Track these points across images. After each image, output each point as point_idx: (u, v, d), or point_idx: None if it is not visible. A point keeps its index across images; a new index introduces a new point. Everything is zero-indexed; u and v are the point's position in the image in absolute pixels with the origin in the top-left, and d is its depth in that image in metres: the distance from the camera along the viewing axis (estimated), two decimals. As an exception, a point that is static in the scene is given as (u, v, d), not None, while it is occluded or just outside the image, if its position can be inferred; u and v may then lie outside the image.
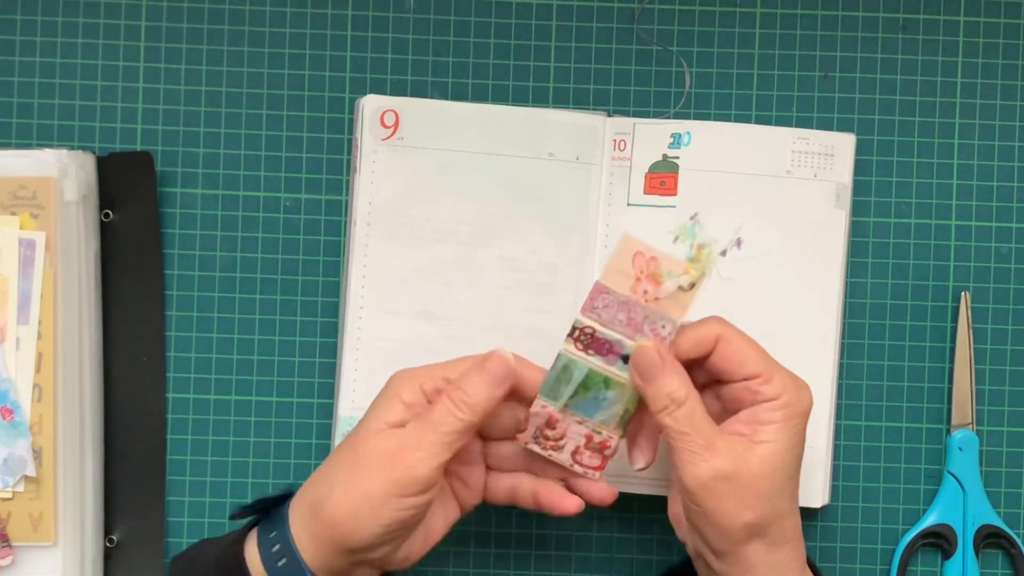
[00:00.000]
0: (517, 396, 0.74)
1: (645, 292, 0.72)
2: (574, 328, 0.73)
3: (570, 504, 0.76)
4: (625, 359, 0.73)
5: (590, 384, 0.73)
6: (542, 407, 0.74)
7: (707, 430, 0.71)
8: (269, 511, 0.75)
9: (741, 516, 0.70)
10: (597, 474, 0.75)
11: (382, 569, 0.74)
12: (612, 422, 0.74)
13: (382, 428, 0.72)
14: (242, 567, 0.72)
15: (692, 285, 0.72)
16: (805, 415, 0.72)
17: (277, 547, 0.72)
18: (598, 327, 0.72)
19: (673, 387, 0.72)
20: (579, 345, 0.73)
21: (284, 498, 0.74)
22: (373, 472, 0.70)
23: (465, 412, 0.72)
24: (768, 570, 0.72)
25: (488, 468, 0.77)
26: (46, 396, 0.79)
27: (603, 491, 0.76)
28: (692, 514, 0.72)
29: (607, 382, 0.73)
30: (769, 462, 0.71)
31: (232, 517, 0.75)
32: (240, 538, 0.74)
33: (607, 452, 0.74)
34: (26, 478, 0.79)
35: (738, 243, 0.80)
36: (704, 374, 0.74)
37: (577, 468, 0.75)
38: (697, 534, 0.73)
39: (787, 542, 0.72)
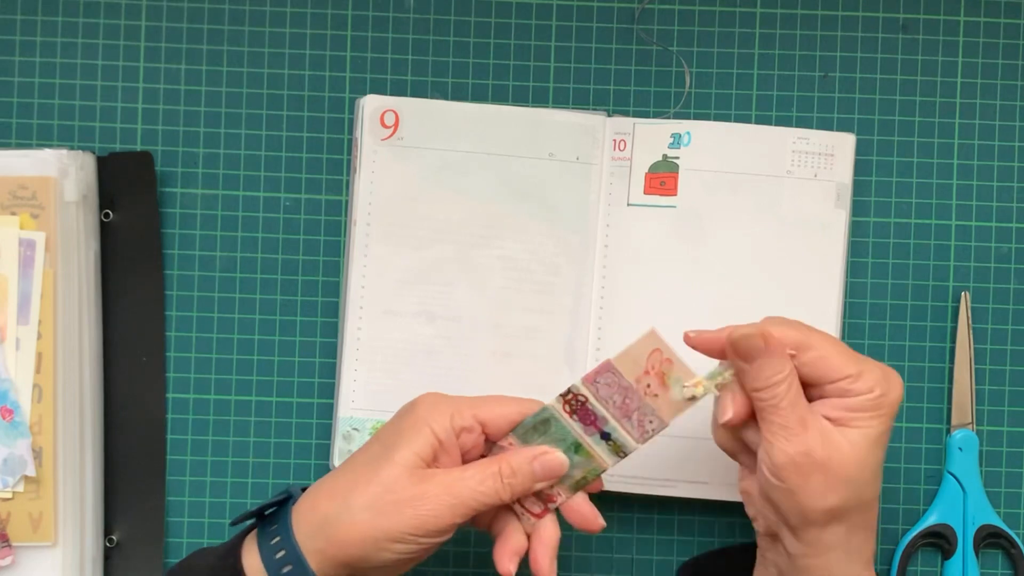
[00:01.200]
0: (488, 426, 0.74)
1: (648, 386, 0.73)
2: (569, 391, 0.73)
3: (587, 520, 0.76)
4: (604, 436, 0.73)
5: (561, 444, 0.73)
6: (508, 444, 0.74)
7: (802, 408, 0.71)
8: (268, 515, 0.74)
9: (825, 498, 0.71)
10: (533, 520, 0.75)
11: None
12: (567, 483, 0.74)
13: (414, 464, 0.71)
14: (239, 573, 0.71)
15: (693, 398, 0.73)
16: (895, 406, 0.72)
17: (281, 553, 0.71)
18: (591, 399, 0.73)
19: (774, 366, 0.71)
20: (567, 407, 0.73)
21: (284, 501, 0.74)
22: (400, 511, 0.70)
23: (506, 492, 0.72)
24: (843, 555, 0.72)
25: None
26: (46, 396, 0.79)
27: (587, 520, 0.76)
28: (774, 491, 0.72)
29: (578, 448, 0.73)
30: (860, 449, 0.71)
31: (233, 523, 0.74)
32: (235, 546, 0.73)
33: (550, 505, 0.75)
34: (26, 478, 0.79)
35: None
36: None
37: (517, 507, 0.75)
38: (774, 511, 0.73)
39: (865, 529, 0.73)
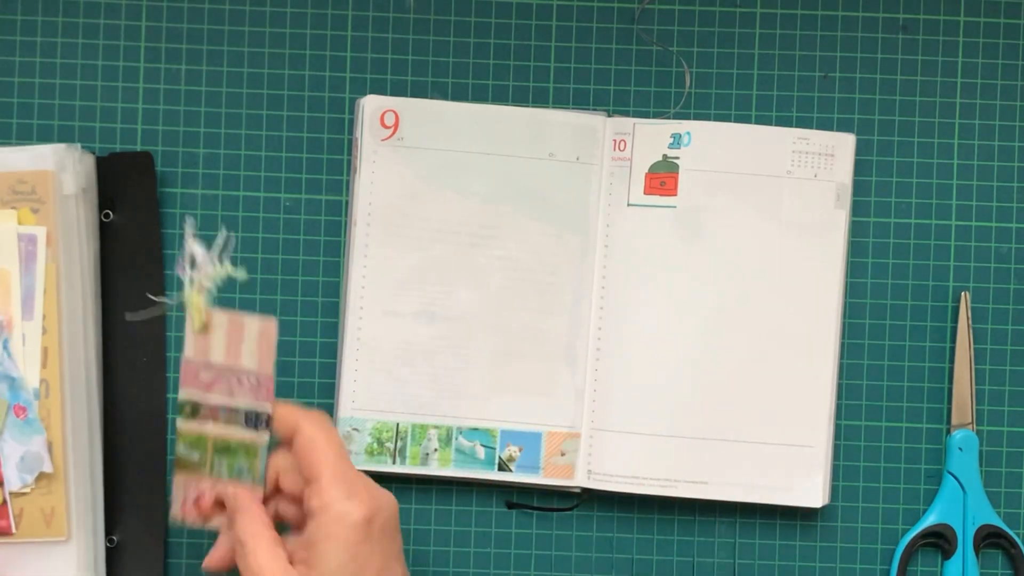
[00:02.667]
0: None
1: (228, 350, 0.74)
2: (182, 407, 0.74)
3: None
4: (247, 419, 0.74)
5: (217, 455, 0.74)
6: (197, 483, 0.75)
7: (263, 567, 0.70)
8: None
9: None
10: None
11: None
12: (245, 477, 0.75)
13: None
14: None
15: (203, 327, 0.73)
16: (358, 528, 0.69)
17: None
18: (200, 399, 0.74)
19: (237, 531, 0.72)
20: (191, 421, 0.74)
21: None
22: None
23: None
24: None
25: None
26: (53, 391, 0.79)
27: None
28: None
29: (227, 448, 0.74)
30: None
31: None
32: None
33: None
34: (38, 473, 0.79)
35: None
36: None
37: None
38: None
39: None
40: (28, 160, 0.80)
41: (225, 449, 0.74)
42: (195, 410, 0.74)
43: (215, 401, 0.74)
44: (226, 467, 0.74)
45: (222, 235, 0.74)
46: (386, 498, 0.71)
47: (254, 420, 0.74)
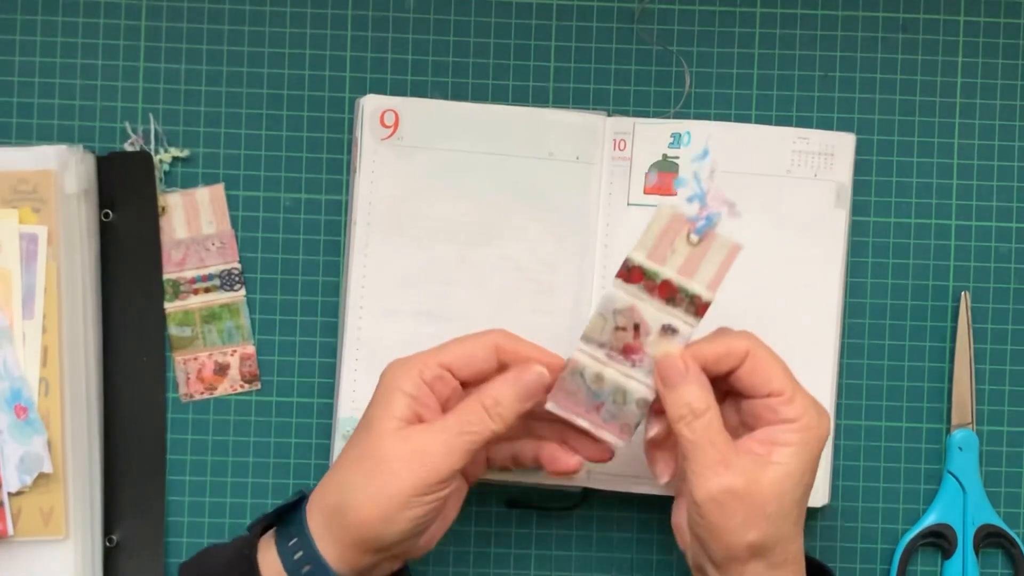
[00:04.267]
0: (455, 370, 0.74)
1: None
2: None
3: (571, 462, 0.75)
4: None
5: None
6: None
7: (722, 444, 0.71)
8: (283, 517, 0.75)
9: (745, 534, 0.70)
10: (622, 442, 0.74)
11: (404, 558, 0.75)
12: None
13: (397, 426, 0.71)
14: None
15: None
16: (821, 441, 0.72)
17: (299, 554, 0.72)
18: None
19: (693, 396, 0.71)
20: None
21: (297, 503, 0.74)
22: (399, 475, 0.70)
23: (496, 423, 0.71)
24: None
25: None
26: (53, 390, 0.79)
27: (602, 451, 0.75)
28: (697, 526, 0.72)
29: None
30: (780, 484, 0.70)
31: (250, 527, 0.74)
32: (249, 544, 0.73)
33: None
34: (38, 474, 0.79)
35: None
36: (726, 385, 0.74)
37: (606, 435, 0.73)
38: (699, 546, 0.73)
39: (788, 564, 0.72)
40: (30, 160, 0.80)
41: (211, 316, 0.75)
42: (176, 289, 0.74)
43: (190, 274, 0.74)
44: (216, 332, 0.76)
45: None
46: (828, 420, 0.73)
47: (228, 280, 0.75)
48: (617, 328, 0.72)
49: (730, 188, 0.82)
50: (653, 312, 0.72)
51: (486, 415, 0.71)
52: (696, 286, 0.72)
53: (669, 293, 0.71)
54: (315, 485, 0.74)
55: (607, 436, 0.74)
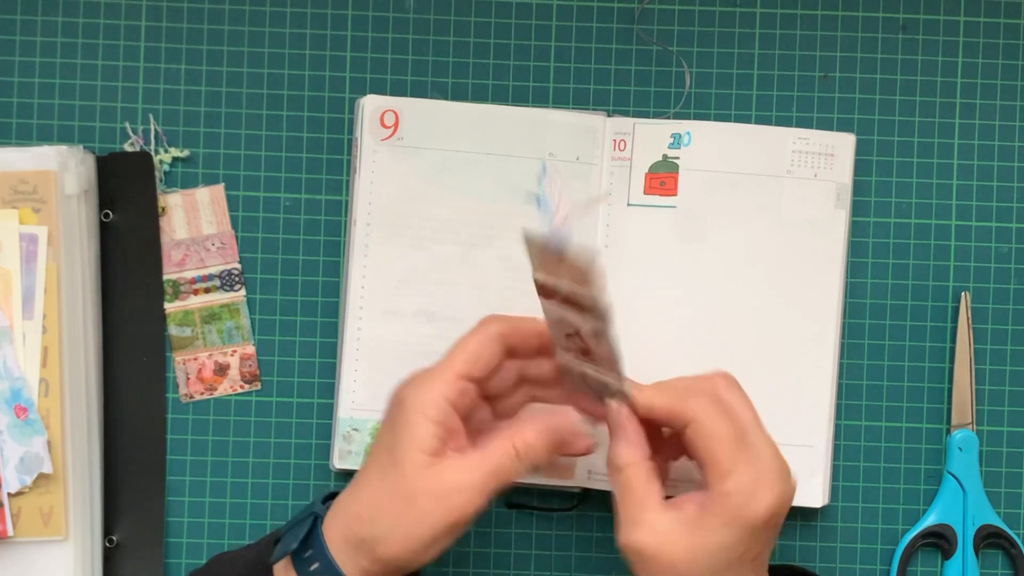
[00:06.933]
0: (476, 376, 0.73)
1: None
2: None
3: (583, 444, 0.74)
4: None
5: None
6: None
7: (640, 501, 0.70)
8: (302, 538, 0.73)
9: None
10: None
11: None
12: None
13: (423, 464, 0.70)
14: None
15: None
16: (758, 519, 0.68)
17: None
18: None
19: (616, 452, 0.71)
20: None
21: (312, 523, 0.73)
22: (431, 515, 0.69)
23: (525, 464, 0.71)
24: None
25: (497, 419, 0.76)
26: (53, 390, 0.79)
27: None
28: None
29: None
30: (701, 550, 0.68)
31: (273, 562, 0.73)
32: (261, 558, 0.73)
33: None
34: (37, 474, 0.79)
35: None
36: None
37: (607, 378, 0.72)
38: None
39: None
40: (30, 160, 0.80)
41: (211, 316, 0.75)
42: (176, 289, 0.74)
43: (190, 274, 0.75)
44: (216, 332, 0.76)
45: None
46: (789, 485, 0.70)
47: (228, 281, 0.75)
48: (567, 336, 0.72)
49: (730, 188, 0.83)
50: (578, 320, 0.70)
51: (517, 459, 0.71)
52: (589, 291, 0.68)
53: (573, 302, 0.69)
54: (320, 491, 0.74)
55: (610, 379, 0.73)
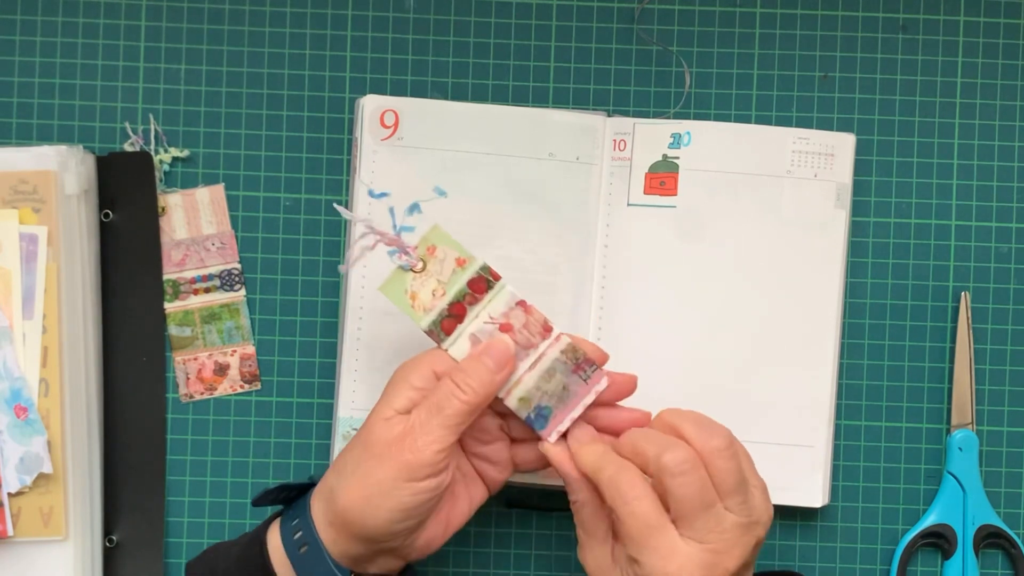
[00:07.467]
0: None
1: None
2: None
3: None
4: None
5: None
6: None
7: (586, 531, 0.74)
8: (292, 501, 0.76)
9: None
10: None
11: (405, 559, 0.75)
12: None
13: (390, 416, 0.72)
14: (264, 556, 0.73)
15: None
16: None
17: (299, 534, 0.73)
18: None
19: (570, 490, 0.74)
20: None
21: (307, 487, 0.76)
22: (382, 459, 0.71)
23: (467, 394, 0.72)
24: None
25: (514, 441, 0.77)
26: (53, 390, 0.79)
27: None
28: None
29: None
30: None
31: (254, 502, 0.75)
32: (260, 533, 0.75)
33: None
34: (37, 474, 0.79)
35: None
36: None
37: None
38: None
39: None
40: (30, 160, 0.80)
41: (211, 316, 0.75)
42: (176, 289, 0.75)
43: (190, 274, 0.75)
44: (216, 332, 0.77)
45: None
46: (739, 547, 0.70)
47: (228, 280, 0.76)
48: (515, 330, 0.75)
49: (730, 188, 0.83)
50: (487, 308, 0.75)
51: (456, 387, 0.72)
52: (455, 283, 0.75)
53: (466, 298, 0.75)
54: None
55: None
